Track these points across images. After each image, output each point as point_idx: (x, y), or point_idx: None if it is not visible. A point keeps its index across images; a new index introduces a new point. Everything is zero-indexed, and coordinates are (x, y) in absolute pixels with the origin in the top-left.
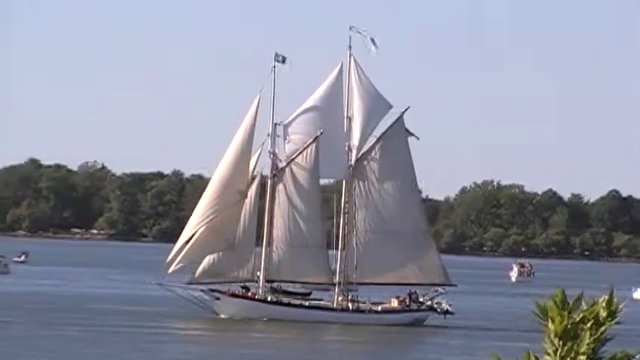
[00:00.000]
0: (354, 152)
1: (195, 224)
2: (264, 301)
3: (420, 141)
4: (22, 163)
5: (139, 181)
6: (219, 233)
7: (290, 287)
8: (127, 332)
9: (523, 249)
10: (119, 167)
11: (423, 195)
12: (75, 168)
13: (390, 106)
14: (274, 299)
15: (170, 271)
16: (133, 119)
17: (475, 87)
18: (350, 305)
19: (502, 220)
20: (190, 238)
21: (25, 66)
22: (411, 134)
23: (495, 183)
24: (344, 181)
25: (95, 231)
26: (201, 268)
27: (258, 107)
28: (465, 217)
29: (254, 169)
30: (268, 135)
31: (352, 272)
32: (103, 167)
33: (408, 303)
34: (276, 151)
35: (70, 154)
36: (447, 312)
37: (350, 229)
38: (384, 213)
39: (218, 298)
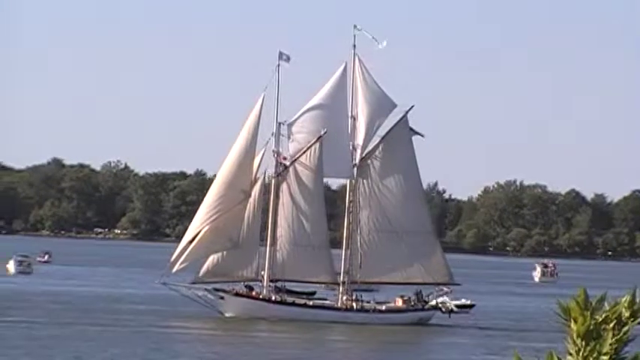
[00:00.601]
0: (359, 151)
1: (199, 223)
2: (269, 300)
3: (442, 141)
4: (45, 163)
5: (161, 180)
6: (223, 233)
7: (296, 287)
8: (149, 332)
9: (546, 249)
10: (142, 167)
11: (446, 195)
12: (98, 168)
13: (395, 105)
14: (278, 299)
15: (174, 270)
16: (155, 119)
17: (498, 86)
18: (354, 304)
19: (525, 221)
20: (194, 238)
21: (48, 67)
22: (416, 133)
23: (518, 183)
24: (348, 181)
25: (118, 231)
26: (205, 267)
27: (262, 106)
28: (488, 218)
29: (258, 168)
30: (272, 134)
31: (357, 272)
32: (126, 167)
33: (414, 302)
34: (280, 150)
35: (93, 153)
36: (451, 311)
37: (354, 229)
38: (389, 212)
39: (222, 298)
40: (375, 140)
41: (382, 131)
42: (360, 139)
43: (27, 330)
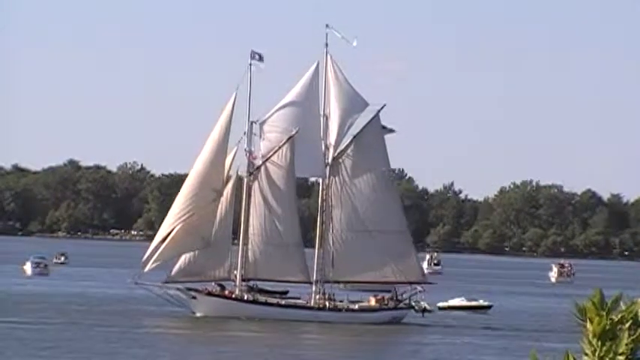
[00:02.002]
0: (331, 150)
1: (171, 222)
2: (241, 299)
3: (459, 142)
4: (61, 165)
5: (177, 182)
6: (195, 232)
7: (269, 286)
8: (163, 333)
9: (562, 249)
10: (158, 168)
11: (462, 196)
12: (114, 169)
13: (367, 104)
14: (251, 298)
15: (146, 269)
16: (171, 120)
17: (516, 87)
18: (327, 303)
19: (541, 221)
20: (167, 237)
21: (65, 68)
22: (389, 131)
23: (534, 183)
24: (321, 180)
25: (134, 232)
26: (177, 266)
27: (234, 105)
28: (504, 218)
29: (230, 167)
30: (245, 133)
31: (329, 270)
32: (142, 168)
33: (392, 300)
34: (253, 149)
35: (109, 155)
36: (424, 310)
37: (327, 228)
38: (361, 211)
39: (195, 297)
40: (348, 139)
41: (355, 130)
42: (332, 138)
43: (41, 332)
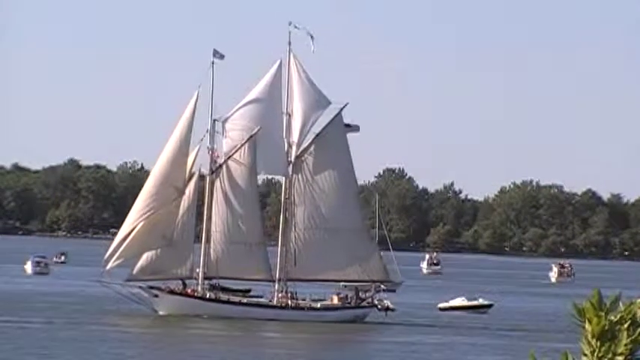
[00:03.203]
0: (294, 148)
1: (133, 220)
2: (203, 298)
3: (459, 141)
4: (61, 164)
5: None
6: (156, 230)
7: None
8: (165, 333)
9: (562, 249)
10: None
11: (462, 196)
12: (114, 168)
13: (329, 103)
14: (213, 296)
15: (108, 267)
16: (171, 119)
17: (517, 87)
18: (289, 302)
19: (541, 221)
20: (128, 235)
21: (65, 67)
22: (352, 129)
23: (534, 183)
24: (284, 178)
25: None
26: (139, 265)
27: (196, 103)
28: (504, 218)
29: (192, 165)
30: (207, 131)
31: (291, 269)
32: (142, 167)
33: (353, 299)
34: (215, 147)
35: (109, 154)
36: (387, 309)
37: (289, 226)
38: (324, 210)
39: (156, 296)
40: (310, 137)
41: (317, 128)
42: (295, 136)
43: (41, 332)
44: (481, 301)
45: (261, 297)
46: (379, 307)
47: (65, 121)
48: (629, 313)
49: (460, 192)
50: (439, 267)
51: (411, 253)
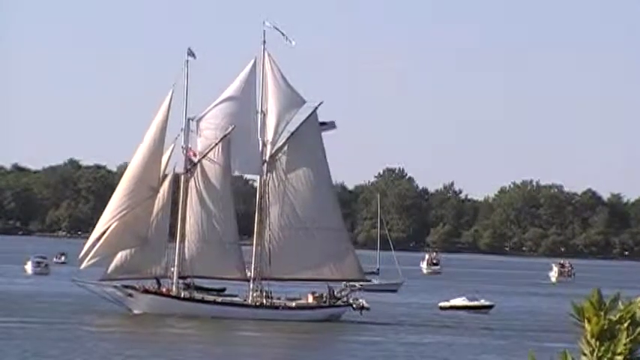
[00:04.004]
0: (269, 147)
1: (107, 219)
2: (178, 297)
3: (459, 141)
4: (61, 164)
5: (176, 181)
6: (131, 229)
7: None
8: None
9: (562, 249)
10: None
11: (462, 195)
12: (114, 168)
13: (304, 101)
14: (187, 295)
15: (82, 266)
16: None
17: (516, 87)
18: (264, 301)
19: (541, 221)
20: (103, 234)
21: (64, 67)
22: (327, 128)
23: (534, 183)
24: (259, 177)
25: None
26: (113, 264)
27: (171, 102)
28: (504, 218)
29: (167, 164)
30: (181, 130)
31: (266, 268)
32: None
33: (326, 298)
34: (190, 146)
35: (109, 154)
36: (363, 308)
37: (264, 225)
38: (299, 209)
39: (131, 295)
40: (285, 136)
41: (292, 127)
42: (269, 135)
43: (41, 332)
44: (482, 302)
45: (236, 296)
46: (354, 306)
47: (65, 121)
48: (628, 312)
49: (460, 192)
50: (439, 267)
51: (411, 253)
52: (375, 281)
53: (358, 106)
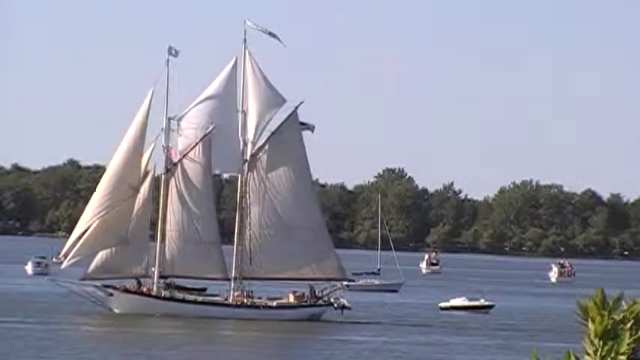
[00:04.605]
0: (250, 147)
1: (88, 219)
2: (158, 297)
3: (459, 141)
4: (61, 164)
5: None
6: (111, 228)
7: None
8: (164, 334)
9: (562, 249)
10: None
11: (462, 195)
12: None
13: (285, 101)
14: (168, 295)
15: (63, 266)
16: None
17: (518, 87)
18: (245, 300)
19: (541, 221)
20: (83, 233)
21: (65, 67)
22: (307, 127)
23: (534, 183)
24: (239, 176)
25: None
26: (94, 264)
27: (151, 101)
28: (504, 218)
29: (147, 164)
30: (162, 129)
31: (247, 267)
32: None
33: (307, 298)
34: (170, 145)
35: (108, 154)
36: (344, 307)
37: (245, 224)
38: (279, 207)
39: (111, 294)
40: (266, 135)
41: (273, 126)
42: (250, 134)
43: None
44: (482, 302)
45: (217, 295)
46: (335, 305)
47: (65, 121)
48: (631, 312)
49: (460, 192)
50: (438, 267)
51: (411, 253)
52: (376, 281)
53: (358, 106)
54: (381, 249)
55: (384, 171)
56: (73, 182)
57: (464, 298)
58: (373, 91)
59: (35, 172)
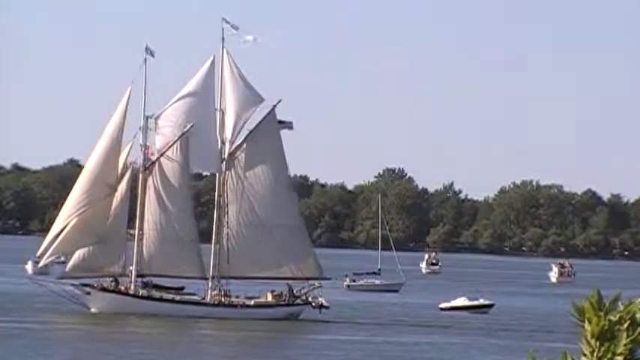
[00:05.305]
0: (227, 145)
1: (65, 217)
2: (136, 295)
3: (459, 141)
4: (61, 164)
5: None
6: (89, 227)
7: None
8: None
9: (562, 249)
10: None
11: (462, 195)
12: None
13: (262, 99)
14: (145, 294)
15: (40, 264)
16: None
17: (517, 87)
18: (222, 299)
19: (541, 221)
20: (61, 232)
21: (65, 67)
22: (285, 126)
23: (534, 183)
24: (217, 175)
25: (132, 231)
26: (72, 262)
27: (129, 99)
28: (504, 218)
29: (125, 162)
30: (140, 128)
31: (225, 266)
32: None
33: (286, 297)
34: (148, 144)
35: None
36: (322, 306)
37: (223, 223)
38: (257, 206)
39: (89, 293)
40: (244, 134)
41: (251, 125)
42: (228, 133)
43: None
44: (482, 301)
45: (195, 294)
46: (313, 304)
47: (65, 121)
48: (628, 313)
49: (460, 192)
50: (438, 267)
51: (411, 253)
52: (377, 281)
53: (358, 106)
54: (381, 249)
55: (384, 171)
56: (73, 182)
57: (464, 298)
58: (373, 91)
59: (35, 172)
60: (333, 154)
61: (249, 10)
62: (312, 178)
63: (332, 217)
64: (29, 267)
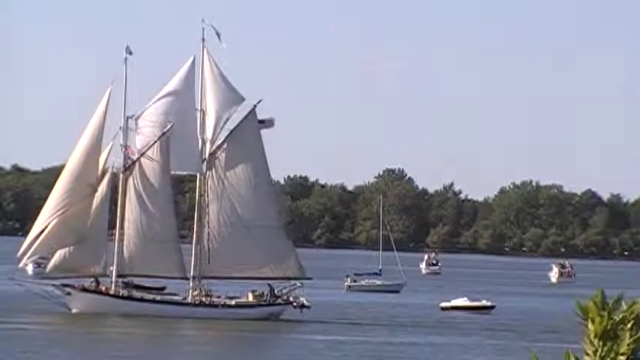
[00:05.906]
0: (208, 145)
1: (46, 217)
2: (116, 296)
3: (459, 142)
4: (61, 165)
5: (176, 182)
6: (69, 227)
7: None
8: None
9: (562, 249)
10: None
11: (462, 196)
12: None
13: (243, 99)
14: (126, 294)
15: (21, 265)
16: None
17: (517, 87)
18: (204, 300)
19: (541, 221)
20: (42, 232)
21: (65, 68)
22: (265, 125)
23: (534, 183)
24: (198, 175)
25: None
26: (52, 262)
27: (109, 100)
28: (504, 218)
29: (105, 162)
30: (120, 128)
31: (206, 266)
32: None
33: (267, 297)
34: (129, 144)
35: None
36: (303, 306)
37: (203, 223)
38: (238, 206)
39: (69, 293)
40: (224, 134)
41: (232, 125)
42: (209, 133)
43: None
44: (484, 302)
45: (176, 295)
46: (295, 304)
47: (65, 121)
48: (631, 313)
49: (460, 192)
50: (437, 267)
51: (411, 253)
52: (378, 282)
53: (358, 106)
54: (382, 249)
55: (384, 171)
56: None
57: (465, 299)
58: (373, 91)
59: (35, 173)
60: (333, 154)
61: (249, 10)
62: (312, 179)
63: (332, 217)
64: (29, 268)
